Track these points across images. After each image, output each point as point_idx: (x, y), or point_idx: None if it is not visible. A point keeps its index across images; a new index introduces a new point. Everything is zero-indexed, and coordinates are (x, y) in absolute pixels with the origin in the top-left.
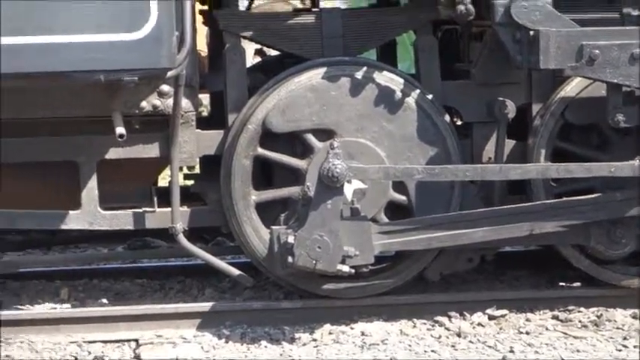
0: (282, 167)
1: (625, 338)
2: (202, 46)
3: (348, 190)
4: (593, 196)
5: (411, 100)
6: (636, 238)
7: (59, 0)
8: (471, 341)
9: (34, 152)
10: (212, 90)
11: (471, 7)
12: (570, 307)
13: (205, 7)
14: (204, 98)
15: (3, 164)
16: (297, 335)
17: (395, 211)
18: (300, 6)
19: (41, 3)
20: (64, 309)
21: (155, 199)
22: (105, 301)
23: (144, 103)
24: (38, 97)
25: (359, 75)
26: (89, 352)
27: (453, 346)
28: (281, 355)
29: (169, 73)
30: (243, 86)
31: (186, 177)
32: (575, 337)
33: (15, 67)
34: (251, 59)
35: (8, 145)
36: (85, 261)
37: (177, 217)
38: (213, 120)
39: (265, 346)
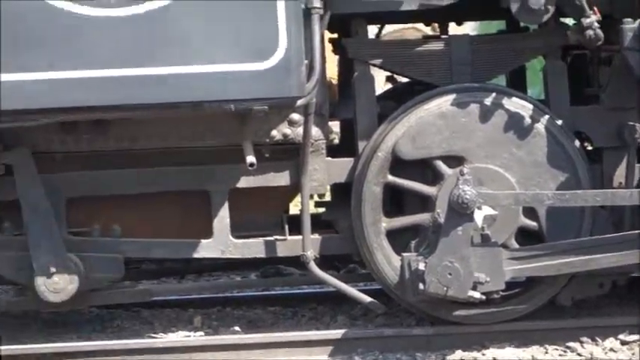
0: (412, 194)
1: None
2: (333, 74)
3: (479, 216)
4: None
5: (540, 126)
6: None
7: (190, 31)
8: None
9: (167, 182)
10: (342, 118)
11: (599, 32)
12: None
13: (335, 35)
14: (335, 126)
15: (137, 194)
16: None
17: (525, 236)
18: (430, 33)
19: (172, 34)
20: (198, 337)
21: (286, 227)
22: (238, 328)
23: (274, 132)
24: (170, 127)
25: (488, 101)
26: None
27: None
28: None
29: (299, 102)
30: (372, 114)
31: (317, 205)
32: None
33: (145, 98)
34: (382, 86)
35: (142, 175)
36: (218, 289)
37: (308, 244)
38: (343, 147)
39: None
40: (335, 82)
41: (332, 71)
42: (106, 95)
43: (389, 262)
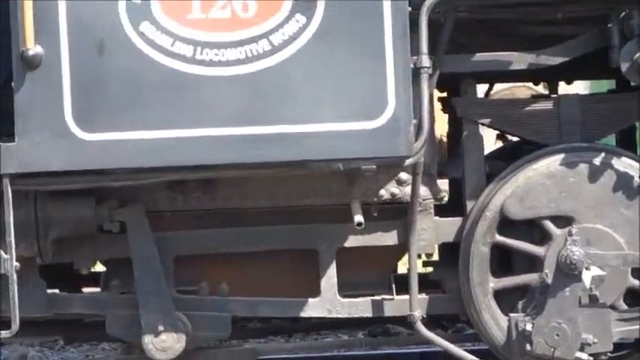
0: (519, 254)
1: None
2: (442, 131)
3: (587, 277)
4: None
5: None
6: None
7: (300, 90)
8: None
9: (275, 240)
10: (451, 176)
11: None
12: None
13: (444, 94)
14: (443, 185)
15: (245, 252)
16: None
17: (634, 297)
18: (541, 91)
19: (282, 93)
20: None
21: (394, 286)
22: None
23: (382, 191)
24: (278, 186)
25: (597, 161)
26: None
27: None
28: None
29: (407, 161)
30: (481, 173)
31: (425, 264)
32: None
33: (256, 156)
34: (493, 143)
35: (250, 234)
36: (326, 348)
37: (415, 304)
38: (452, 206)
39: None
40: (444, 139)
41: (442, 129)
42: (217, 154)
43: (496, 322)
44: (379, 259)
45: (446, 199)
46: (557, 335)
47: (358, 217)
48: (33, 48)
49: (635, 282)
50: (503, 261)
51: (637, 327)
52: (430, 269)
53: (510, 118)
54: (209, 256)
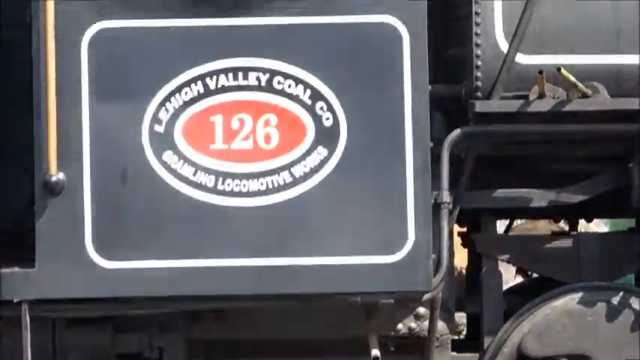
0: None
1: None
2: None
3: None
4: None
5: None
6: None
7: (320, 223)
8: None
9: None
10: (469, 311)
11: None
12: None
13: (464, 229)
14: (461, 320)
15: None
16: None
17: None
18: (562, 226)
19: (302, 226)
20: None
21: None
22: None
23: (400, 326)
24: (296, 318)
25: (615, 300)
26: None
27: None
28: None
29: (426, 296)
30: (499, 309)
31: None
32: None
33: (274, 288)
34: (513, 277)
35: None
36: None
37: None
38: (469, 342)
39: None
40: (463, 273)
41: (462, 261)
42: (235, 285)
43: None
44: None
45: (463, 333)
46: None
47: (375, 352)
48: (56, 174)
49: None
50: None
51: None
52: None
53: (529, 255)
54: None
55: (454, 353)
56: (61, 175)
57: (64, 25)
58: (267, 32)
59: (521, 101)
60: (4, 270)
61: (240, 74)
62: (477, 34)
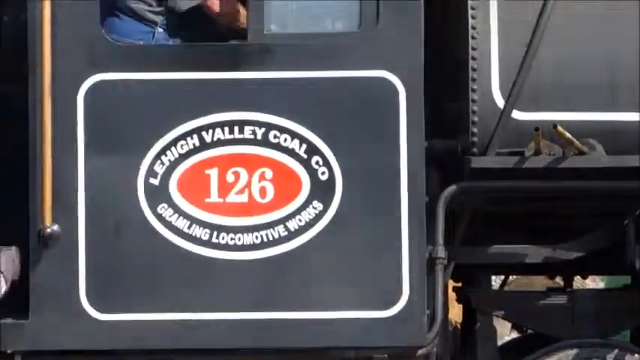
0: None
1: None
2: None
3: None
4: None
5: None
6: None
7: (314, 277)
8: None
9: None
10: None
11: None
12: None
13: (459, 284)
14: None
15: None
16: None
17: None
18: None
19: (296, 280)
20: None
21: None
22: None
23: None
24: None
25: (610, 357)
26: None
27: None
28: None
29: (420, 352)
30: None
31: None
32: None
33: (268, 342)
34: (508, 333)
35: None
36: None
37: None
38: None
39: None
40: (458, 327)
41: (457, 316)
42: (229, 338)
43: None
44: None
45: None
46: None
47: None
48: (50, 226)
49: None
50: None
51: None
52: None
53: (525, 311)
54: None
55: None
56: (55, 227)
57: (61, 78)
58: (264, 86)
59: (518, 157)
60: None
61: (237, 128)
62: (473, 90)
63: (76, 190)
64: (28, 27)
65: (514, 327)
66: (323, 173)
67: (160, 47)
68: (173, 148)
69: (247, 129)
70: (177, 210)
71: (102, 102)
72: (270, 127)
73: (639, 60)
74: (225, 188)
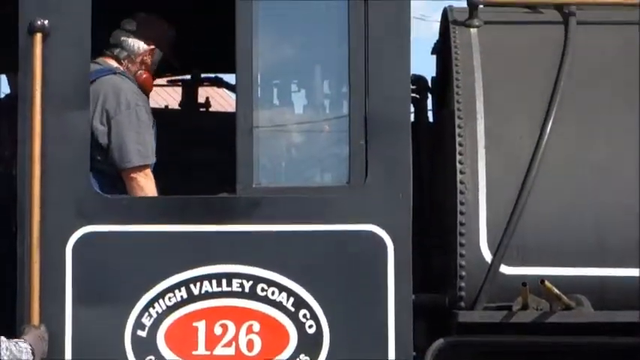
0: None
1: None
2: None
3: None
4: None
5: None
6: None
7: None
8: None
9: None
10: None
11: None
12: None
13: None
14: None
15: None
16: None
17: None
18: None
19: None
20: None
21: None
22: None
23: None
24: None
25: None
26: None
27: None
28: None
29: None
30: None
31: None
32: None
33: None
34: None
35: None
36: None
37: None
38: None
39: None
40: None
41: None
42: None
43: None
44: None
45: None
46: None
47: None
48: None
49: None
50: None
51: None
52: None
53: None
54: None
55: None
56: None
57: (49, 230)
58: (252, 239)
59: (505, 312)
60: None
61: (224, 281)
62: (461, 245)
63: (63, 342)
64: (18, 181)
65: None
66: (310, 326)
67: (148, 199)
68: (161, 301)
69: (235, 282)
70: None
71: (90, 254)
72: (257, 280)
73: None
74: (212, 341)
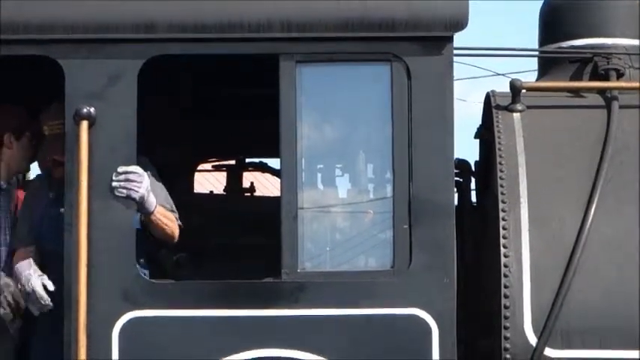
0: None
1: None
2: None
3: None
4: None
5: None
6: None
7: None
8: None
9: None
10: None
11: None
12: None
13: None
14: None
15: None
16: None
17: None
18: None
19: None
20: None
21: None
22: None
23: None
24: None
25: None
26: None
27: None
28: None
29: None
30: None
31: None
32: None
33: None
34: None
35: None
36: None
37: None
38: None
39: None
40: None
41: None
42: None
43: None
44: None
45: None
46: None
47: None
48: None
49: None
50: None
51: None
52: None
53: None
54: None
55: None
56: None
57: (96, 316)
58: (298, 323)
59: None
60: None
61: None
62: (505, 328)
63: None
64: (64, 265)
65: None
66: None
67: (195, 285)
68: None
69: None
70: None
71: (137, 339)
72: None
73: None
74: None
